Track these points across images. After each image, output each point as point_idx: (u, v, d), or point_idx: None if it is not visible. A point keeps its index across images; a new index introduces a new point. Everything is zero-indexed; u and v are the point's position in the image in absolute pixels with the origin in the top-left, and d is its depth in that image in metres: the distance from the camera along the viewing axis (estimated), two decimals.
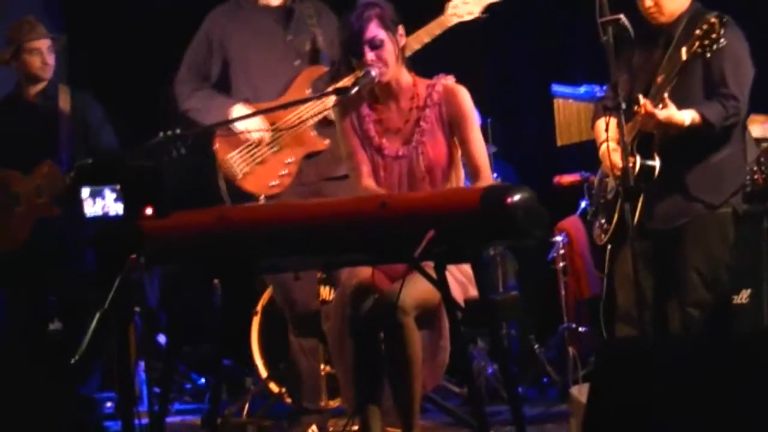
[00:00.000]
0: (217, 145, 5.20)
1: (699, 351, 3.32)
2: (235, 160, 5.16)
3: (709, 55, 4.53)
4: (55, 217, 5.73)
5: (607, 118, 4.67)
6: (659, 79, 4.67)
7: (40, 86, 5.90)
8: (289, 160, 5.10)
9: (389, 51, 4.32)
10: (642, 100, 4.60)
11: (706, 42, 4.50)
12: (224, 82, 5.29)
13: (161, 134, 4.09)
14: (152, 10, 7.41)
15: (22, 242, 5.72)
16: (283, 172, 5.13)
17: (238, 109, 5.11)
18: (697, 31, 4.52)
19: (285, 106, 4.90)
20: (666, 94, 4.60)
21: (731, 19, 4.71)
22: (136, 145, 4.03)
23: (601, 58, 4.56)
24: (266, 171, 5.14)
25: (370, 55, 4.29)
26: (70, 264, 5.82)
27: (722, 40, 4.49)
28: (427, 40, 4.94)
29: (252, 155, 5.14)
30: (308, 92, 5.12)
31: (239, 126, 5.09)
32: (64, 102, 5.87)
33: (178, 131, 4.13)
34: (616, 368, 3.29)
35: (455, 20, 4.99)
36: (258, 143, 5.12)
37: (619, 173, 4.65)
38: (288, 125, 5.08)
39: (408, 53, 4.66)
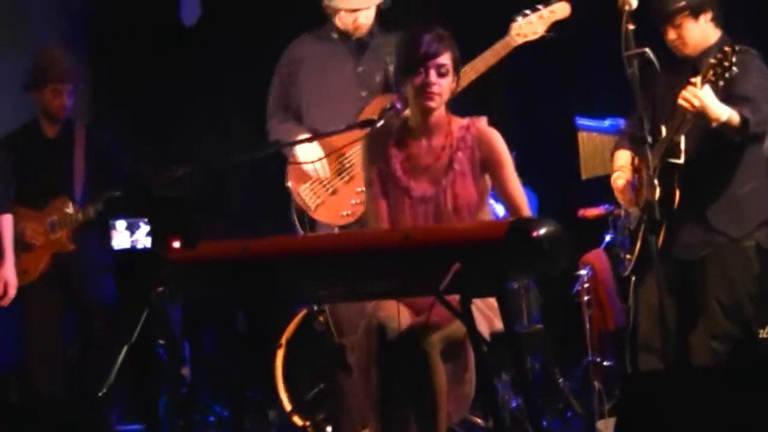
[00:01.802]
0: (290, 180, 5.26)
1: (723, 385, 3.31)
2: (307, 192, 5.20)
3: (722, 83, 4.53)
4: (76, 249, 5.74)
5: (628, 148, 4.70)
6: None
7: (58, 125, 5.89)
8: (360, 189, 5.01)
9: (448, 84, 4.31)
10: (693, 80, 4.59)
11: (719, 69, 4.51)
12: (299, 110, 5.38)
13: (189, 165, 4.11)
14: (174, 29, 7.46)
15: (41, 274, 5.72)
16: (354, 201, 5.15)
17: (303, 147, 5.16)
18: (712, 60, 4.54)
19: (332, 133, 4.85)
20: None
21: (755, 52, 4.73)
22: (162, 175, 4.05)
23: (626, 90, 4.57)
24: (338, 201, 5.17)
25: (434, 78, 4.27)
26: (91, 295, 5.82)
27: (734, 68, 4.50)
28: (493, 61, 5.00)
29: (324, 186, 5.17)
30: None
31: (300, 158, 5.13)
32: (81, 138, 5.88)
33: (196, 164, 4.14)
34: (642, 403, 3.28)
35: (520, 40, 5.03)
36: (319, 176, 5.15)
37: (621, 196, 4.72)
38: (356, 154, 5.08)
39: (474, 75, 4.75)
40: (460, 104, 4.54)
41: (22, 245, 5.67)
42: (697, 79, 4.56)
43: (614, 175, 5.03)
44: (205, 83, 7.34)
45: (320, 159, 5.09)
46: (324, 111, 5.26)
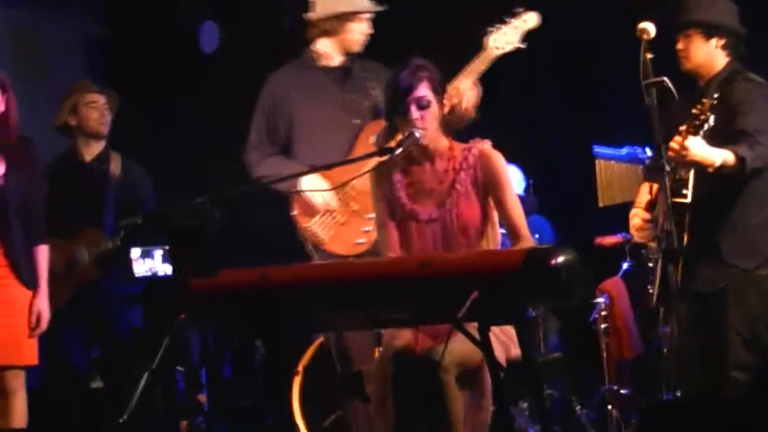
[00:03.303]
0: (296, 212, 5.22)
1: (742, 414, 3.30)
2: (318, 226, 5.18)
3: (700, 134, 4.55)
4: (100, 279, 5.76)
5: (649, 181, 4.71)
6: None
7: (97, 147, 5.93)
8: (370, 216, 4.98)
9: (433, 114, 4.36)
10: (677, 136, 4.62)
11: (697, 123, 4.54)
12: (288, 143, 5.32)
13: (205, 195, 4.11)
14: (197, 62, 7.50)
15: (66, 302, 5.73)
16: (366, 228, 5.13)
17: (307, 180, 5.12)
18: (694, 110, 4.56)
19: (343, 163, 4.84)
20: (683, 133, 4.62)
21: (762, 81, 4.74)
22: (180, 204, 4.06)
23: (644, 119, 4.58)
24: (350, 231, 5.14)
25: (415, 114, 4.33)
26: (115, 322, 5.82)
27: (710, 121, 4.51)
28: (474, 77, 4.99)
29: (333, 218, 5.16)
30: (374, 146, 5.10)
31: (306, 190, 5.10)
32: (115, 167, 5.91)
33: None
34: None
35: (498, 53, 5.03)
36: (329, 208, 5.16)
37: (637, 235, 4.76)
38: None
39: (458, 97, 4.76)
40: (477, 129, 4.58)
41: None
42: (680, 137, 4.59)
43: (632, 213, 5.05)
44: (222, 111, 7.36)
45: (332, 188, 5.04)
46: (318, 141, 5.21)
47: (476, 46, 5.04)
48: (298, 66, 5.39)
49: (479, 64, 5.02)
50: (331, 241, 5.16)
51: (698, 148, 4.55)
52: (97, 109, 5.87)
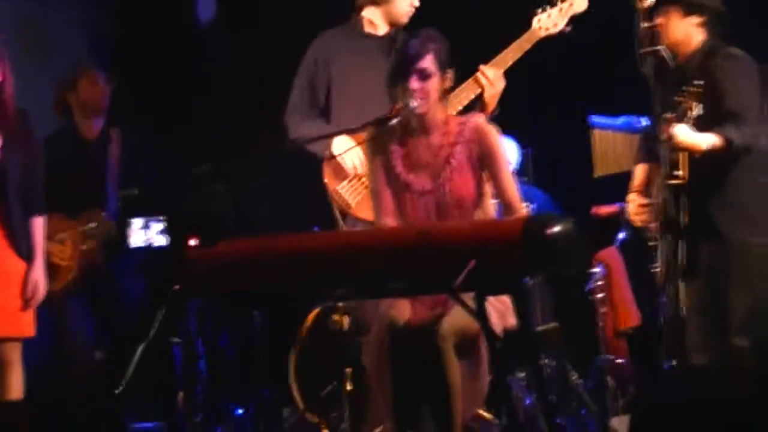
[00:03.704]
0: (327, 178, 5.24)
1: (737, 415, 3.31)
2: (346, 190, 5.20)
3: (685, 121, 4.58)
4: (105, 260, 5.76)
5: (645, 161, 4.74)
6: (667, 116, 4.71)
7: (97, 124, 5.92)
8: None
9: (434, 86, 4.38)
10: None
11: (681, 110, 4.59)
12: (327, 107, 5.36)
13: (203, 165, 4.12)
14: (203, 54, 7.46)
15: (70, 281, 5.73)
16: None
17: (339, 140, 5.15)
18: (677, 98, 4.59)
19: (365, 127, 4.85)
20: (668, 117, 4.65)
21: (741, 53, 4.74)
22: (179, 176, 4.07)
23: (641, 88, 4.59)
24: None
25: (415, 84, 4.33)
26: (114, 294, 5.83)
27: (698, 110, 4.57)
28: (519, 55, 5.06)
29: (362, 183, 5.18)
30: None
31: (337, 152, 5.13)
32: (116, 143, 5.89)
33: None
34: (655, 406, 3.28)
35: (543, 34, 5.10)
36: (357, 173, 5.16)
37: (636, 219, 4.77)
38: None
39: (503, 68, 4.88)
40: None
41: (50, 253, 5.65)
42: (668, 116, 4.61)
43: (628, 197, 5.08)
44: (225, 89, 7.32)
45: (351, 149, 5.05)
46: (357, 108, 5.20)
47: (521, 26, 5.10)
48: (344, 31, 5.43)
49: (523, 44, 5.09)
50: (357, 206, 5.18)
51: (684, 134, 4.58)
52: (96, 85, 5.87)
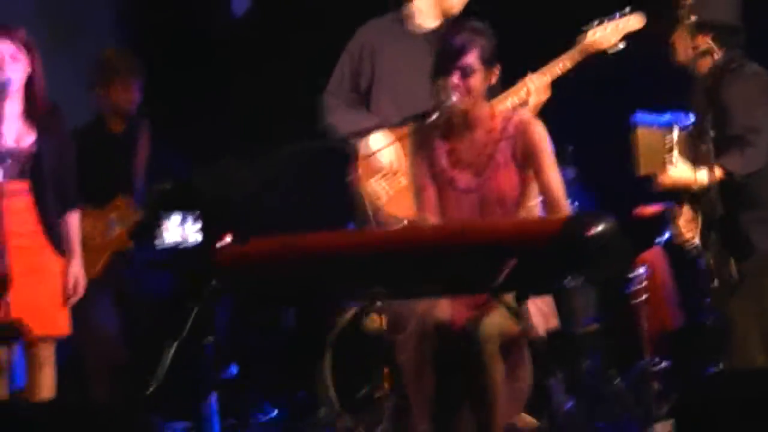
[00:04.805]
0: (359, 172, 5.20)
1: None
2: (378, 185, 5.15)
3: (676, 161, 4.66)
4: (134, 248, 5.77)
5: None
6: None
7: (125, 119, 5.95)
8: None
9: (476, 83, 4.31)
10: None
11: (669, 154, 4.68)
12: (368, 96, 5.31)
13: (230, 158, 4.09)
14: (224, 36, 7.44)
15: (100, 272, 5.70)
16: None
17: (376, 136, 5.11)
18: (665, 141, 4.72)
19: (402, 124, 4.85)
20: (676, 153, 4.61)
21: (749, 67, 4.66)
22: (208, 170, 4.02)
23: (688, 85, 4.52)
24: (410, 194, 5.11)
25: (455, 79, 4.25)
26: (138, 289, 5.84)
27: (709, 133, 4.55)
28: (569, 66, 5.06)
29: (396, 179, 5.12)
30: None
31: (372, 148, 5.09)
32: (145, 133, 5.93)
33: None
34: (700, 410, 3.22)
35: (596, 47, 5.11)
36: (392, 168, 5.11)
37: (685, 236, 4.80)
38: None
39: (552, 78, 4.89)
40: None
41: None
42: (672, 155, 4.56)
43: (675, 212, 4.99)
44: (256, 79, 7.29)
45: (388, 145, 5.02)
46: (398, 103, 5.20)
47: (570, 34, 5.11)
48: (394, 20, 5.39)
49: (575, 55, 5.08)
50: (389, 201, 5.14)
51: (679, 174, 4.59)
52: (128, 92, 5.92)
